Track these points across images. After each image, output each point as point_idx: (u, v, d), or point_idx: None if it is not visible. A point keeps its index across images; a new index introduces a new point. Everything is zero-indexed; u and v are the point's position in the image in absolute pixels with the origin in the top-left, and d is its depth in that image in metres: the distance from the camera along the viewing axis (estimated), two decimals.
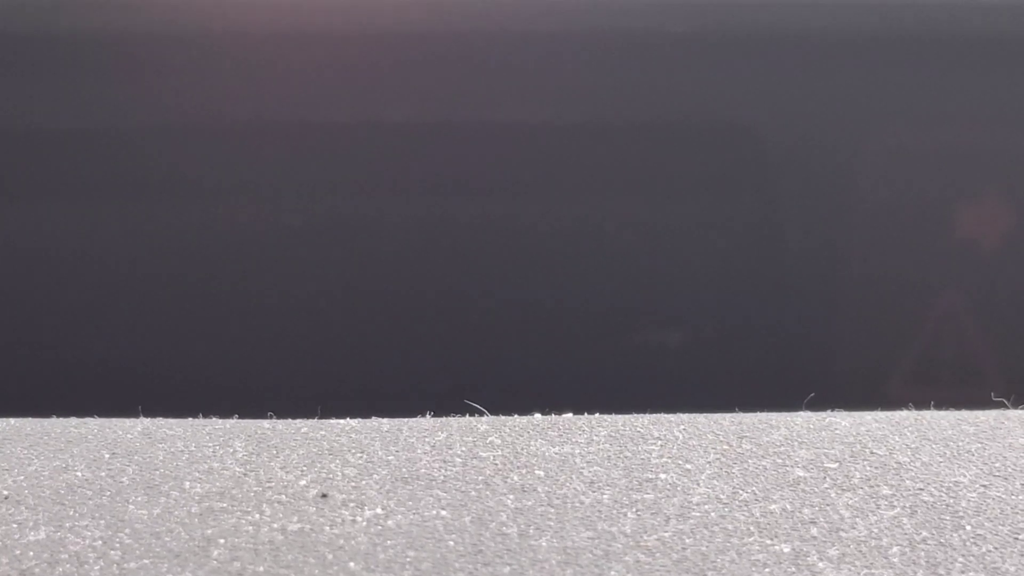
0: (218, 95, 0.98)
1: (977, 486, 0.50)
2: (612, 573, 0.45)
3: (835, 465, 0.51)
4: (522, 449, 0.50)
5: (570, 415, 0.54)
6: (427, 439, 0.50)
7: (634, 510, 0.48)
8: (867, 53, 0.96)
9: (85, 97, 0.97)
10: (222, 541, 0.46)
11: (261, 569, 0.44)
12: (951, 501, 0.49)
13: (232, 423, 0.51)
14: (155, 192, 1.01)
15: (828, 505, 0.48)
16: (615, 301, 1.03)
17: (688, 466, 0.50)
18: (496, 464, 0.49)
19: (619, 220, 1.02)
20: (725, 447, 0.52)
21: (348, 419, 0.52)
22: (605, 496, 0.48)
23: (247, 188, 1.01)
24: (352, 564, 0.45)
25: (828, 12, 0.91)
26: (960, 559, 0.46)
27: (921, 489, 0.49)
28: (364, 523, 0.46)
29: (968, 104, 1.00)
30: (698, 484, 0.49)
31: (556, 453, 0.50)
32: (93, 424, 0.51)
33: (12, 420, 0.52)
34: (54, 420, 0.51)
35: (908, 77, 0.98)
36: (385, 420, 0.52)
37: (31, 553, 0.45)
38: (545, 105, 1.00)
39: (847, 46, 0.95)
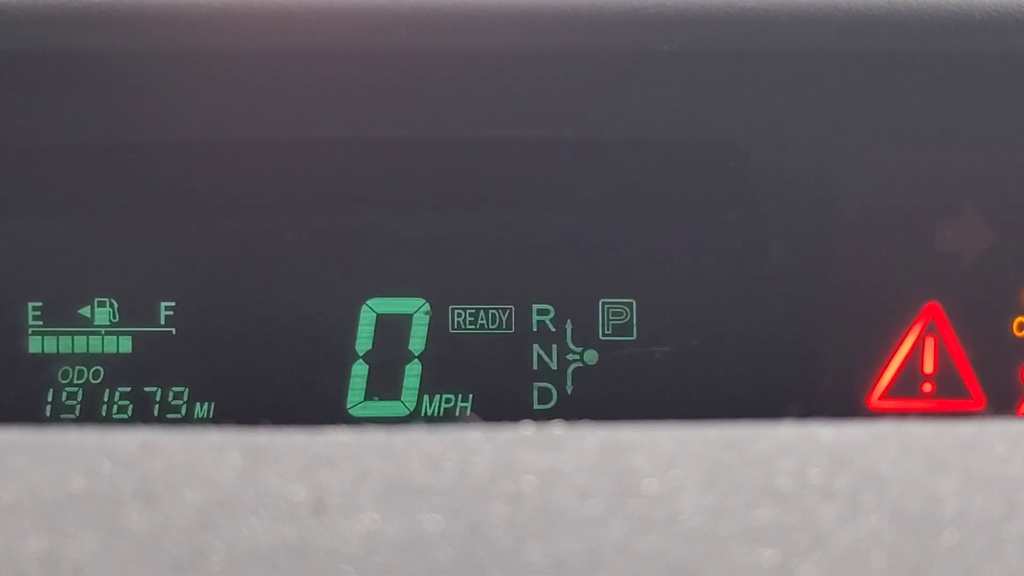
0: (212, 112, 0.98)
1: (959, 496, 0.50)
2: None
3: (818, 475, 0.51)
4: (513, 459, 0.51)
5: (559, 425, 0.54)
6: (420, 449, 0.51)
7: (623, 518, 0.48)
8: (852, 71, 0.97)
9: (81, 113, 0.97)
10: (221, 549, 0.46)
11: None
12: (933, 510, 0.49)
13: (229, 433, 0.52)
14: (149, 206, 1.02)
15: (812, 514, 0.49)
16: (600, 313, 1.04)
17: (675, 475, 0.51)
18: (488, 474, 0.50)
19: (605, 234, 1.03)
20: (710, 457, 0.52)
21: (343, 429, 0.53)
22: (595, 505, 0.49)
23: (240, 203, 1.02)
24: (348, 567, 0.45)
25: (813, 31, 0.92)
26: (942, 567, 0.46)
27: (903, 498, 0.50)
28: (359, 531, 0.47)
29: (951, 122, 1.00)
30: (684, 493, 0.50)
31: (546, 463, 0.51)
32: (93, 435, 0.51)
33: (11, 429, 0.53)
34: (54, 430, 0.52)
35: (892, 96, 0.98)
36: (379, 431, 0.53)
37: (32, 562, 0.46)
38: (530, 121, 1.01)
39: (832, 64, 0.96)
